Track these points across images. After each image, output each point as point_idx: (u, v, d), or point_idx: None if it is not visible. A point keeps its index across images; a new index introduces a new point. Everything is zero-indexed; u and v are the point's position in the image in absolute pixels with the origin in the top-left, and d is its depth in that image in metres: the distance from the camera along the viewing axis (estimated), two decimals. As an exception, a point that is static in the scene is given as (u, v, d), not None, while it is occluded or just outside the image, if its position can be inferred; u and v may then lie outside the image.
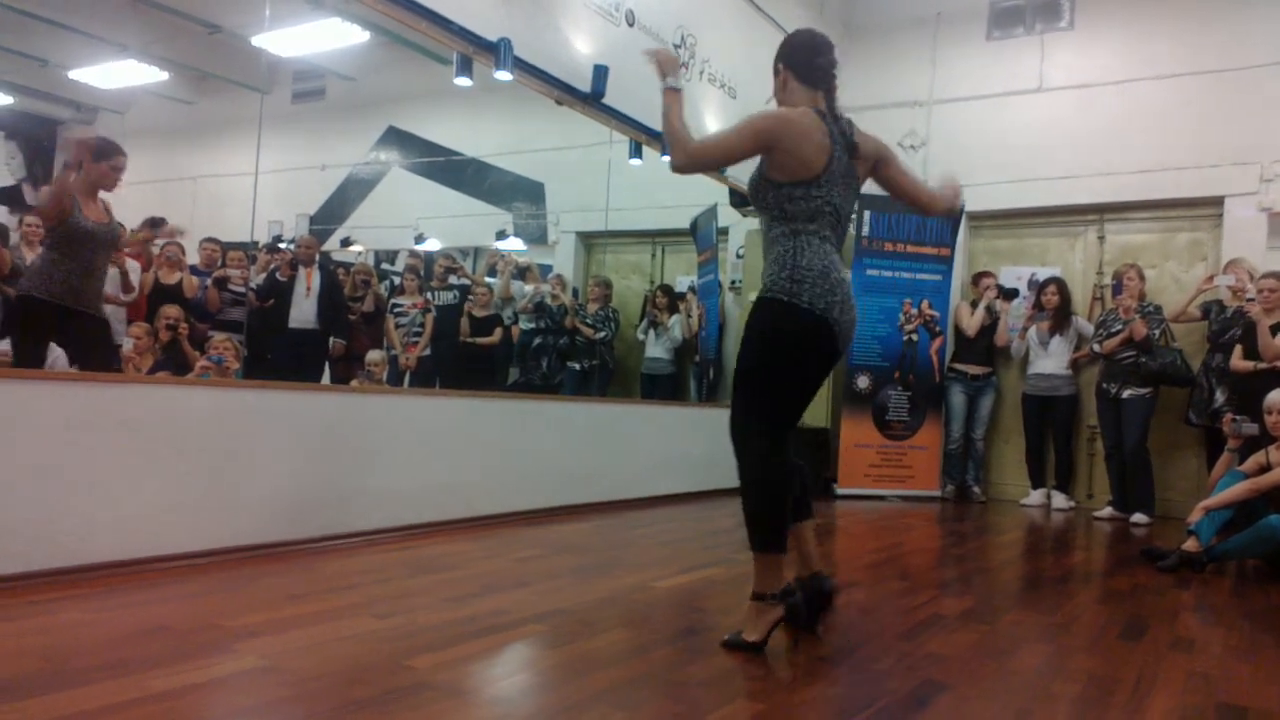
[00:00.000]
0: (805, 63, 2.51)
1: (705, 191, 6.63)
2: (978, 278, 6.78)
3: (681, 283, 7.91)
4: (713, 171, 2.39)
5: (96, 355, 4.00)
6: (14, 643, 2.10)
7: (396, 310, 7.33)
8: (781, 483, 2.42)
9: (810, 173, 2.39)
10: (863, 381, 6.40)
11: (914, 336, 6.44)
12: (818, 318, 2.34)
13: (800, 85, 2.51)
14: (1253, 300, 5.22)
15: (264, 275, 6.94)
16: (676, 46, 5.44)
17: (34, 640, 2.13)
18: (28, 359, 3.86)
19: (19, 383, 2.83)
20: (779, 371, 2.40)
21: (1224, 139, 6.13)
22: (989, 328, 6.59)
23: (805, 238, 2.40)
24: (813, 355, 2.41)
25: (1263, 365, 5.13)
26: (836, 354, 2.46)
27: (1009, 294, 6.61)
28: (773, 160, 2.42)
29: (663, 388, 7.27)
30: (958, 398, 6.61)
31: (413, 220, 9.26)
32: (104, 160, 4.01)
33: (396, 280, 8.38)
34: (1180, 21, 6.38)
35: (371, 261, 8.99)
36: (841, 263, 2.48)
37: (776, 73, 2.56)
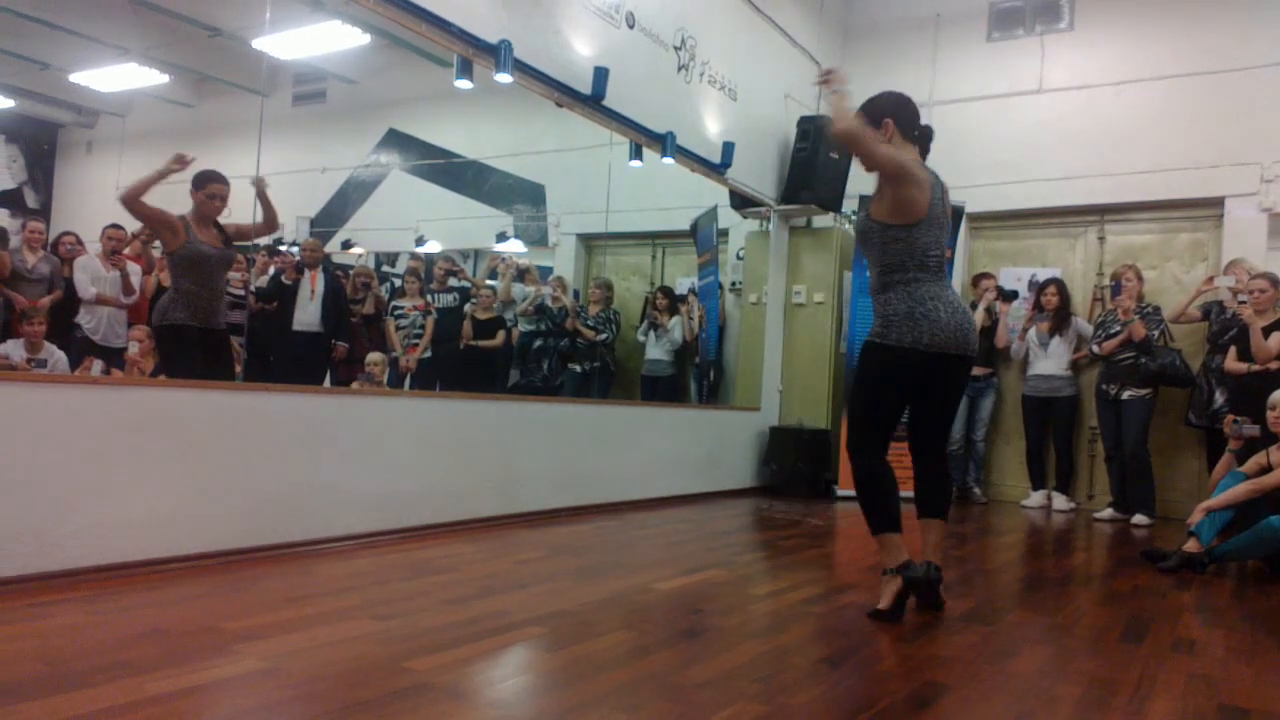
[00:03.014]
0: (913, 122, 2.97)
1: (705, 193, 6.64)
2: (977, 279, 6.78)
3: (682, 284, 7.90)
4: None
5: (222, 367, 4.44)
6: (13, 645, 2.10)
7: (397, 313, 7.33)
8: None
9: (914, 215, 2.82)
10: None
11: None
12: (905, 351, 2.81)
13: (904, 140, 2.94)
14: (1244, 303, 5.22)
15: (266, 277, 6.95)
16: (677, 49, 5.45)
17: (33, 643, 2.13)
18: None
19: (18, 385, 2.83)
20: None
21: (1224, 140, 6.14)
22: (989, 329, 6.59)
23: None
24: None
25: (1256, 367, 5.14)
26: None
27: (1008, 296, 6.61)
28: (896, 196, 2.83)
29: (663, 389, 7.27)
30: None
31: (413, 223, 9.27)
32: (201, 189, 4.32)
33: (397, 283, 8.39)
34: (1180, 22, 6.39)
35: (372, 264, 9.00)
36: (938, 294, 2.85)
37: (877, 124, 2.91)
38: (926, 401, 2.94)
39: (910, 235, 2.82)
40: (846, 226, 6.90)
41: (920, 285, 2.82)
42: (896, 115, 2.93)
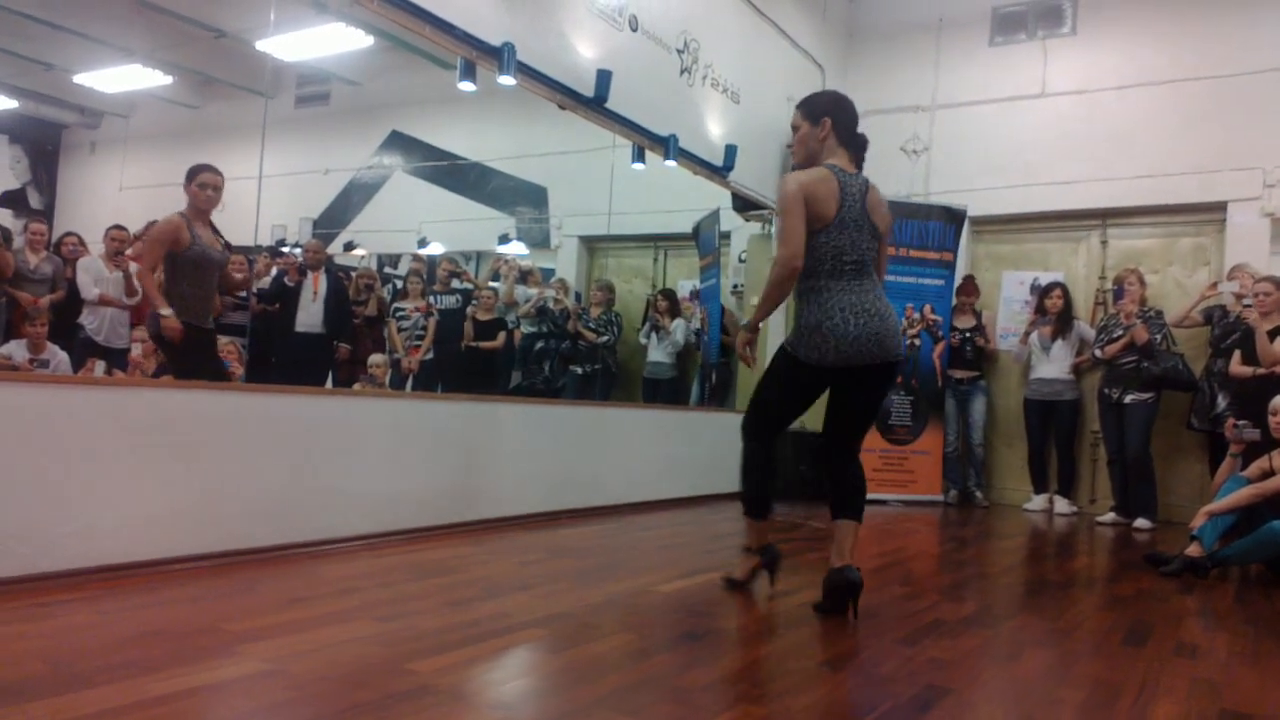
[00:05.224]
0: (850, 127, 2.95)
1: (707, 196, 6.64)
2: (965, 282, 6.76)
3: (684, 287, 7.91)
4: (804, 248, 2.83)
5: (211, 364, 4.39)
6: (16, 645, 2.10)
7: (399, 314, 7.34)
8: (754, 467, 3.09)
9: (822, 221, 2.79)
10: (865, 386, 6.40)
11: (916, 341, 6.44)
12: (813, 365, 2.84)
13: (838, 143, 2.91)
14: (1249, 306, 5.21)
15: (268, 279, 6.96)
16: (680, 51, 5.45)
17: (36, 643, 2.13)
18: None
19: (21, 386, 2.84)
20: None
21: (1227, 144, 6.13)
22: (974, 329, 6.61)
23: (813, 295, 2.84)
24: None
25: (1261, 371, 5.13)
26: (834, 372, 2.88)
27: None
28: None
29: (664, 392, 7.27)
30: (949, 402, 6.63)
31: (416, 224, 9.28)
32: (192, 181, 4.22)
33: (399, 284, 8.40)
34: (1183, 27, 6.39)
35: (374, 265, 9.01)
36: (857, 300, 2.82)
37: (816, 121, 2.91)
38: (840, 406, 2.96)
39: (820, 240, 2.81)
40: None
41: (831, 295, 2.80)
42: (834, 115, 2.92)
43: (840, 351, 2.78)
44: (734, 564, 3.69)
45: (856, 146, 2.96)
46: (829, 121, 2.90)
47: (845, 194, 2.82)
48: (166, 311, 4.08)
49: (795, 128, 2.99)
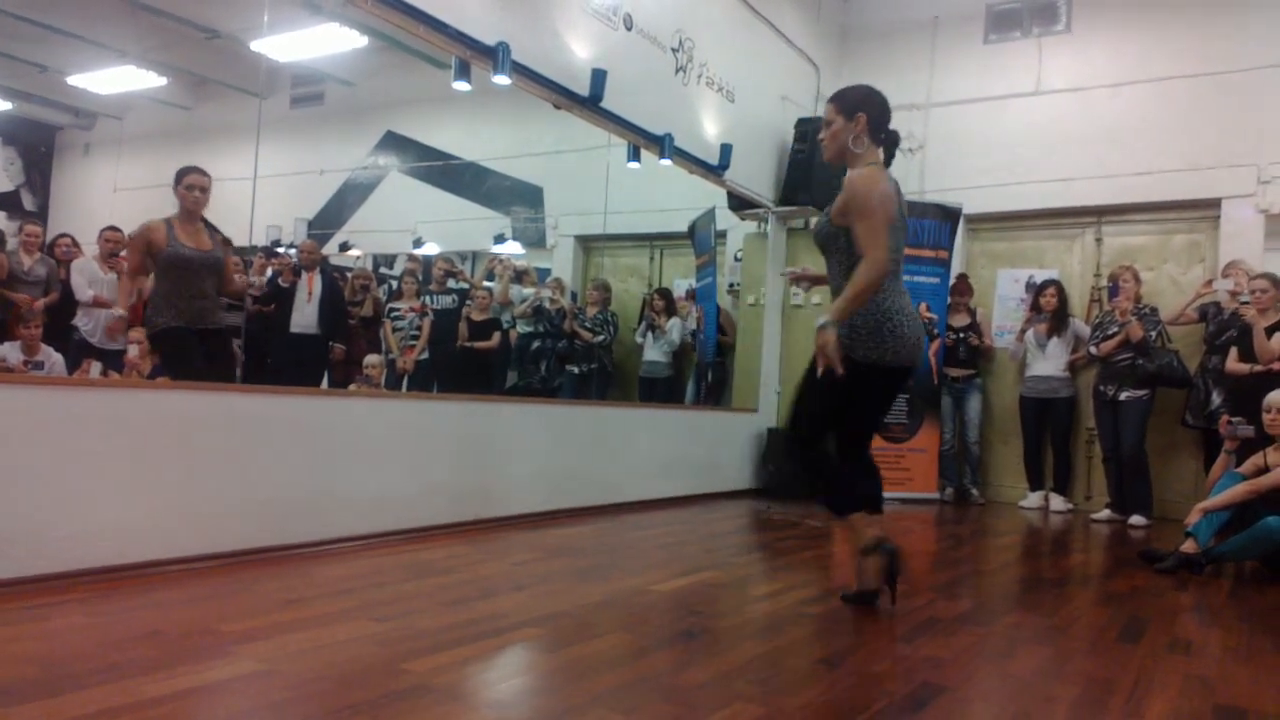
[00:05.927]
0: (883, 123, 2.93)
1: (703, 195, 6.64)
2: (960, 281, 6.76)
3: (680, 286, 7.91)
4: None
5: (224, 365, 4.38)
6: (9, 648, 2.10)
7: (394, 314, 7.34)
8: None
9: (892, 220, 2.79)
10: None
11: (911, 339, 6.44)
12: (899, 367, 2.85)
13: (870, 139, 2.90)
14: (1246, 303, 5.23)
15: (263, 279, 6.95)
16: (675, 50, 5.46)
17: (29, 645, 2.13)
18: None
19: (15, 388, 2.83)
20: None
21: (1221, 141, 6.15)
22: (968, 328, 6.62)
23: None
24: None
25: (1258, 368, 5.14)
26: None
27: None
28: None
29: (660, 391, 7.28)
30: (945, 400, 6.65)
31: (411, 224, 9.28)
32: (179, 183, 4.21)
33: (395, 284, 8.40)
34: (1177, 24, 6.40)
35: (370, 266, 9.01)
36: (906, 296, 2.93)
37: (850, 116, 2.89)
38: (877, 408, 3.01)
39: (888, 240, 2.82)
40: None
41: (888, 297, 2.81)
42: (869, 112, 2.89)
43: (897, 354, 2.81)
44: (732, 564, 3.69)
45: (889, 143, 2.96)
46: (864, 118, 2.88)
47: (898, 195, 2.87)
48: (119, 312, 4.09)
49: (828, 122, 2.95)
